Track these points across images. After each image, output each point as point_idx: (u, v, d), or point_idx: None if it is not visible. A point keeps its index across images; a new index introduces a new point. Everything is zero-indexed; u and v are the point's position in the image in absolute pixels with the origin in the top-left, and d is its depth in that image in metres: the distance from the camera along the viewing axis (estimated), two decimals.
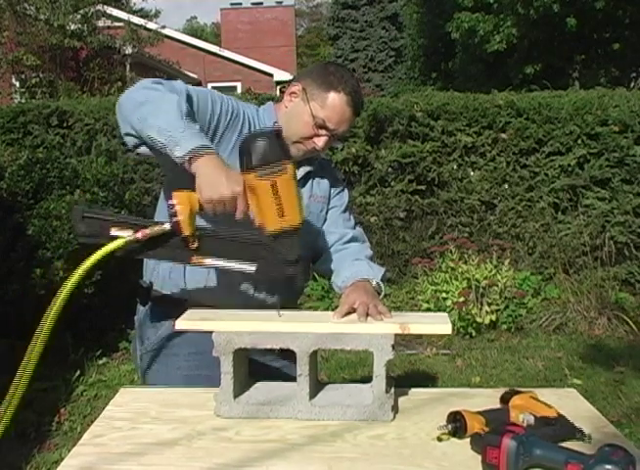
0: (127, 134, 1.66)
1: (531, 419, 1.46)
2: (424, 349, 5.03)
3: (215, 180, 1.51)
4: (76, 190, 4.98)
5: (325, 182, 2.07)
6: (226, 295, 1.86)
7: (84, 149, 6.22)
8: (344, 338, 1.57)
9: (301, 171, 1.95)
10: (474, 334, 5.31)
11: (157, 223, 1.58)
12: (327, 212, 2.08)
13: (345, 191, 2.15)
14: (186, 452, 1.43)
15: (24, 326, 4.63)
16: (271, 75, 21.40)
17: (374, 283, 1.89)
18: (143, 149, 1.66)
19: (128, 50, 13.52)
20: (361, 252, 2.06)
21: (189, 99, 1.70)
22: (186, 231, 1.54)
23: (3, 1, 11.51)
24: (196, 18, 53.78)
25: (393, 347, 1.56)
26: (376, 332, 1.57)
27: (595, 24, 14.22)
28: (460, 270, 5.53)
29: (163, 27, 14.83)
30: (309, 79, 1.90)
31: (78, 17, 12.58)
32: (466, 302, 5.32)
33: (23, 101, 10.72)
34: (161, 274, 1.92)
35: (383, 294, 1.90)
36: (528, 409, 1.50)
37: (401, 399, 1.70)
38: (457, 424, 1.47)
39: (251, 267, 1.62)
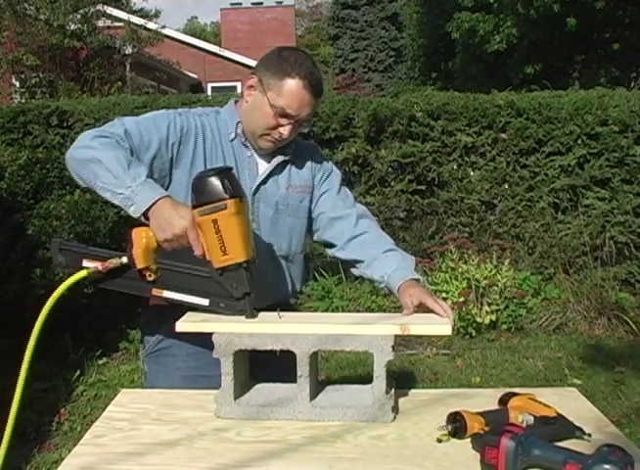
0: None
1: (531, 419, 1.46)
2: (424, 349, 5.03)
3: (164, 221, 1.61)
4: (76, 190, 4.99)
5: (305, 170, 2.04)
6: None
7: None
8: (345, 339, 1.57)
9: (275, 161, 1.96)
10: (474, 334, 5.31)
11: (118, 257, 1.67)
12: (318, 200, 2.06)
13: (335, 172, 2.11)
14: (186, 453, 1.43)
15: (25, 326, 4.64)
16: None
17: (421, 282, 1.89)
18: None
19: (128, 50, 13.53)
20: (379, 235, 2.04)
21: (129, 137, 1.76)
22: (140, 264, 1.64)
23: (3, 1, 11.51)
24: (197, 18, 53.74)
25: (394, 347, 1.56)
26: (376, 333, 1.57)
27: (595, 24, 14.20)
28: (460, 270, 5.53)
29: (163, 27, 14.84)
30: (263, 69, 1.89)
31: (78, 17, 12.58)
32: (466, 302, 5.32)
33: (23, 101, 10.74)
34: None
35: (424, 284, 1.92)
36: (527, 410, 1.50)
37: (401, 400, 1.70)
38: (457, 425, 1.47)
39: (203, 302, 1.67)
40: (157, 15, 16.00)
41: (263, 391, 1.68)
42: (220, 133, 1.93)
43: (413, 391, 1.79)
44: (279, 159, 1.97)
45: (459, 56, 16.92)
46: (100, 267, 1.65)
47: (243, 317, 1.66)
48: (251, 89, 1.91)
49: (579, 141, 6.10)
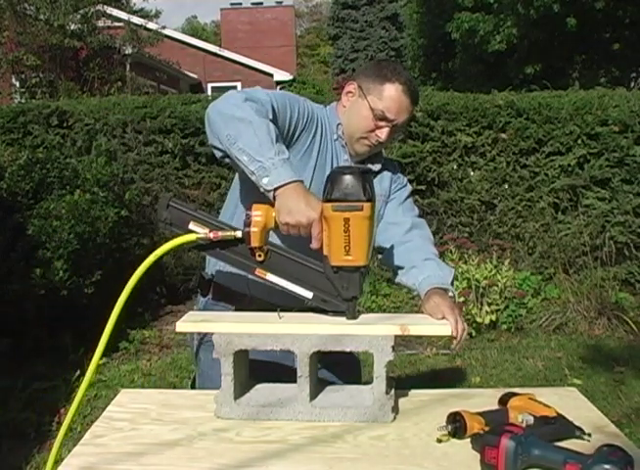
0: (215, 147, 1.72)
1: (531, 419, 1.46)
2: (424, 349, 5.03)
3: (294, 206, 1.57)
4: (76, 190, 4.99)
5: (386, 181, 2.09)
6: (285, 295, 1.88)
7: (84, 149, 6.22)
8: (345, 339, 1.57)
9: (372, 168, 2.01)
10: (474, 334, 5.31)
11: (232, 229, 1.63)
12: (385, 208, 2.09)
13: (407, 187, 2.16)
14: (187, 453, 1.43)
15: (25, 326, 4.64)
16: (271, 75, 21.41)
17: (450, 293, 1.88)
18: (228, 160, 1.73)
19: (128, 50, 13.53)
20: (425, 245, 2.05)
21: (272, 109, 1.75)
22: (255, 243, 1.60)
23: (3, 1, 11.51)
24: (196, 17, 53.72)
25: (394, 348, 1.56)
26: (376, 333, 1.57)
27: (595, 25, 14.21)
28: (460, 270, 5.52)
29: (164, 28, 14.83)
30: (363, 76, 1.96)
31: (78, 17, 12.58)
32: (466, 302, 5.32)
33: (23, 101, 10.74)
34: (225, 268, 1.94)
35: (455, 298, 1.91)
36: (527, 410, 1.50)
37: (401, 400, 1.70)
38: (457, 425, 1.47)
39: (307, 294, 1.65)
40: (157, 15, 15.97)
41: (263, 391, 1.68)
42: (329, 131, 1.98)
43: (413, 391, 1.79)
44: (374, 167, 2.03)
45: (459, 56, 16.93)
46: (211, 236, 1.61)
47: (242, 319, 1.66)
48: (349, 95, 1.98)
49: (579, 141, 6.11)
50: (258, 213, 1.60)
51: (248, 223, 1.60)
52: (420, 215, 2.18)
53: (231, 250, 1.65)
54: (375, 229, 1.67)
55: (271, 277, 1.65)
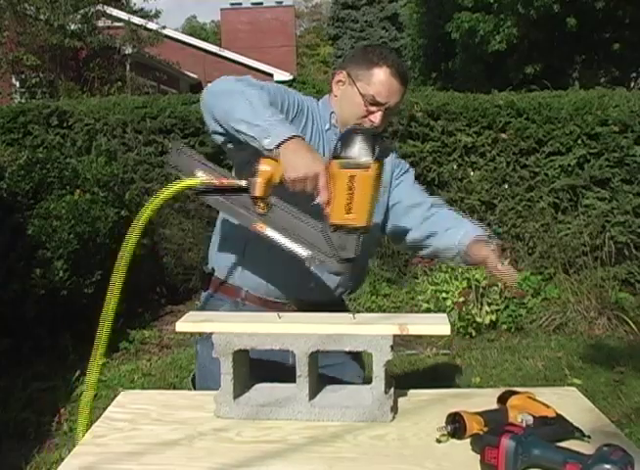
0: (215, 132, 1.74)
1: (530, 419, 1.46)
2: (424, 349, 5.03)
3: (299, 159, 1.57)
4: (76, 190, 4.99)
5: (387, 167, 2.02)
6: (284, 289, 1.92)
7: (84, 149, 6.22)
8: (343, 339, 1.57)
9: None
10: (474, 334, 5.31)
11: (237, 178, 1.64)
12: (393, 191, 2.09)
13: (411, 170, 2.17)
14: (187, 453, 1.43)
15: (25, 326, 4.63)
16: (271, 75, 21.38)
17: (493, 245, 1.88)
18: (231, 145, 1.76)
19: (128, 50, 13.54)
20: (451, 213, 2.07)
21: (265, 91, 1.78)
22: (258, 192, 1.59)
23: (3, 1, 11.52)
24: (196, 17, 53.72)
25: (392, 347, 1.56)
26: (375, 333, 1.57)
27: (595, 25, 14.21)
28: (460, 270, 5.53)
29: (164, 28, 14.84)
30: (351, 63, 1.97)
31: (78, 17, 12.59)
32: (466, 302, 5.32)
33: (24, 101, 10.75)
34: (224, 262, 1.98)
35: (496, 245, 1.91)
36: (527, 409, 1.50)
37: (401, 400, 1.70)
38: (456, 425, 1.47)
39: (304, 252, 1.62)
40: (156, 15, 15.97)
41: (263, 391, 1.68)
42: (320, 121, 1.99)
43: (413, 391, 1.79)
44: (380, 131, 2.01)
45: (459, 56, 16.93)
46: (216, 182, 1.62)
47: (242, 318, 1.66)
48: (339, 84, 1.99)
49: (579, 141, 6.10)
50: (265, 165, 1.60)
51: (253, 173, 1.60)
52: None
53: (234, 200, 1.65)
54: (379, 193, 1.63)
55: (270, 232, 1.64)
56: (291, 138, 1.58)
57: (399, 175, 2.12)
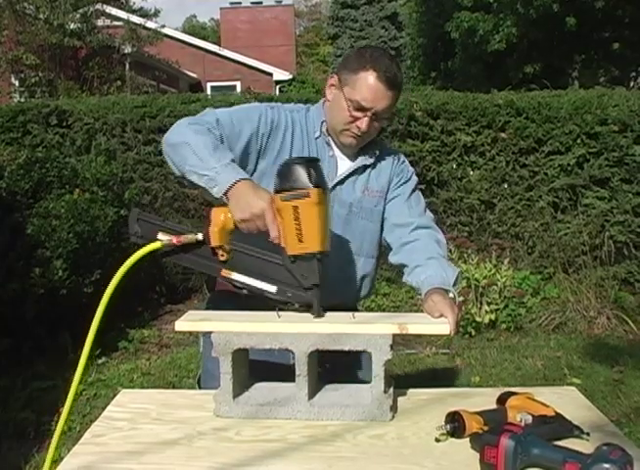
0: (178, 178, 1.80)
1: (529, 419, 1.46)
2: (423, 348, 5.03)
3: (243, 200, 1.62)
4: (76, 189, 4.99)
5: (384, 176, 2.07)
6: None
7: (83, 148, 6.22)
8: (343, 338, 1.57)
9: (357, 163, 2.01)
10: (473, 333, 5.31)
11: (194, 233, 1.67)
12: (387, 203, 2.07)
13: (412, 180, 2.13)
14: (186, 452, 1.43)
15: (24, 325, 4.63)
16: (270, 75, 21.40)
17: (450, 294, 1.84)
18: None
19: (128, 49, 13.53)
20: (430, 243, 2.01)
21: (221, 125, 1.82)
22: (214, 242, 1.64)
23: (3, 0, 11.51)
24: (195, 16, 53.70)
25: (392, 347, 1.56)
26: (374, 332, 1.57)
27: (595, 24, 14.21)
28: (459, 270, 5.52)
29: (163, 27, 14.83)
30: (342, 67, 1.95)
31: (78, 16, 12.59)
32: (465, 301, 5.32)
33: (23, 100, 10.73)
34: None
35: (456, 299, 1.89)
36: (526, 409, 1.50)
37: (401, 399, 1.70)
38: (455, 424, 1.47)
39: (271, 288, 1.66)
40: (156, 14, 15.95)
41: (262, 390, 1.68)
42: (308, 131, 1.99)
43: (412, 390, 1.79)
44: (360, 161, 2.01)
45: (458, 55, 16.94)
46: (174, 241, 1.66)
47: (241, 318, 1.66)
48: (331, 88, 1.98)
49: (579, 140, 6.10)
50: (216, 214, 1.65)
51: (207, 224, 1.65)
52: (427, 208, 2.15)
53: (196, 254, 1.69)
54: (329, 216, 1.66)
55: (236, 276, 1.67)
56: (236, 183, 1.63)
57: (398, 185, 2.09)
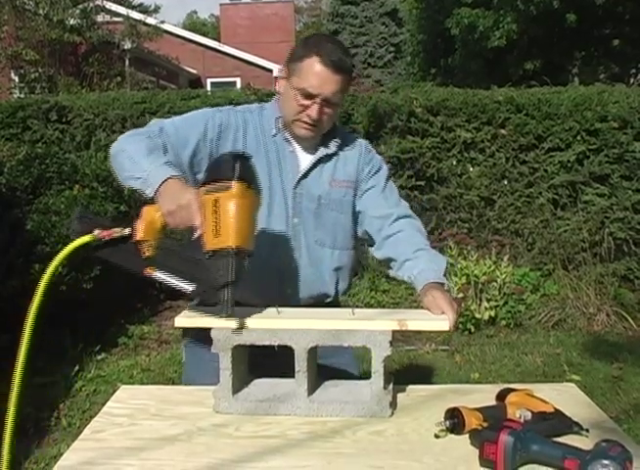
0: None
1: (528, 415, 1.46)
2: (422, 344, 5.03)
3: (171, 193, 1.61)
4: (75, 185, 4.99)
5: (351, 165, 2.04)
6: (260, 293, 1.86)
7: (83, 144, 6.22)
8: (342, 334, 1.57)
9: (318, 155, 1.98)
10: (472, 330, 5.31)
11: (123, 227, 1.65)
12: (363, 195, 2.05)
13: (383, 170, 2.11)
14: (186, 448, 1.43)
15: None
16: (270, 71, 21.35)
17: (445, 287, 1.86)
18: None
19: (127, 45, 13.51)
20: (414, 235, 2.00)
21: (164, 133, 1.83)
22: (140, 235, 1.60)
23: None
24: (196, 12, 53.66)
25: (391, 343, 1.56)
26: (374, 328, 1.57)
27: (595, 21, 14.20)
28: (459, 266, 5.53)
29: (162, 22, 14.82)
30: (289, 58, 1.93)
31: (77, 12, 12.57)
32: (465, 297, 5.32)
33: (23, 96, 10.74)
34: None
35: (450, 290, 1.89)
36: (525, 405, 1.50)
37: (400, 396, 1.70)
38: (455, 420, 1.47)
39: (188, 287, 1.62)
40: (156, 10, 15.96)
41: (262, 386, 1.68)
42: (263, 130, 1.96)
43: (411, 386, 1.79)
44: (321, 152, 1.99)
45: (459, 52, 16.92)
46: (105, 234, 1.63)
47: (241, 313, 1.66)
48: (282, 80, 1.96)
49: (579, 137, 6.10)
50: (146, 210, 1.63)
51: (136, 220, 1.63)
52: (400, 197, 2.13)
53: (124, 250, 1.65)
54: (253, 213, 1.60)
55: (158, 274, 1.63)
56: (166, 180, 1.63)
57: (370, 176, 2.07)
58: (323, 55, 1.84)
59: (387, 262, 2.04)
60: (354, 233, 2.07)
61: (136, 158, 1.71)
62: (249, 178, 1.57)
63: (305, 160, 1.98)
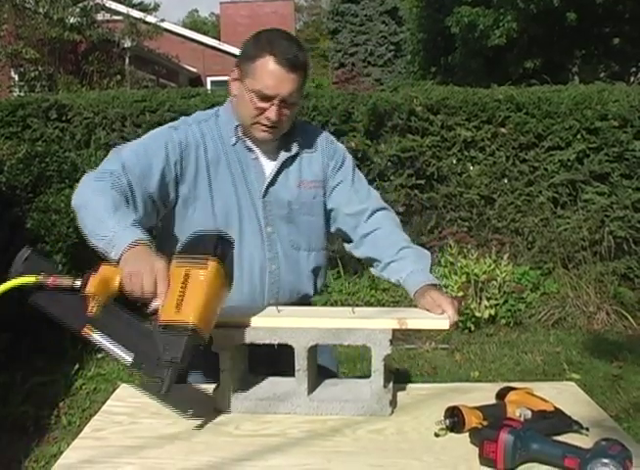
0: None
1: (528, 414, 1.46)
2: (422, 343, 5.03)
3: (136, 258, 1.50)
4: (75, 184, 4.96)
5: (316, 163, 1.97)
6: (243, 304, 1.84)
7: (83, 142, 6.21)
8: (343, 333, 1.57)
9: (280, 159, 1.90)
10: (472, 328, 5.31)
11: (73, 278, 1.50)
12: (332, 192, 1.98)
13: (347, 161, 2.03)
14: (186, 446, 1.43)
15: (24, 320, 4.63)
16: None
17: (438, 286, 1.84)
18: None
19: (127, 43, 13.51)
20: (392, 232, 1.96)
21: (127, 170, 1.72)
22: (89, 288, 1.45)
23: None
24: (197, 11, 53.69)
25: (391, 342, 1.56)
26: (374, 327, 1.57)
27: (595, 19, 14.20)
28: (459, 265, 5.53)
29: (162, 21, 14.81)
30: (241, 58, 1.84)
31: (77, 10, 12.57)
32: (465, 296, 5.32)
33: (22, 94, 10.72)
34: None
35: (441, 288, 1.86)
36: (525, 404, 1.51)
37: (400, 394, 1.70)
38: (455, 419, 1.47)
39: (127, 357, 1.45)
40: (155, 8, 15.94)
41: (262, 385, 1.68)
42: (222, 139, 1.89)
43: (412, 385, 1.79)
44: (284, 156, 1.91)
45: (459, 50, 16.91)
46: (50, 280, 1.49)
47: (241, 312, 1.66)
48: (235, 82, 1.86)
49: (579, 136, 6.09)
50: (105, 267, 1.50)
51: (89, 273, 1.49)
52: (369, 187, 2.06)
53: (65, 302, 1.49)
54: (221, 297, 1.49)
55: (96, 336, 1.46)
56: (134, 243, 1.53)
57: (336, 170, 1.99)
58: (277, 53, 1.75)
59: (367, 261, 2.01)
60: (327, 231, 2.03)
61: (101, 215, 1.61)
62: (227, 262, 1.49)
63: (269, 166, 1.91)
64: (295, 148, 1.93)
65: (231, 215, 1.85)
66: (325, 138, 2.02)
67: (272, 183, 1.90)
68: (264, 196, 1.89)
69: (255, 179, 1.89)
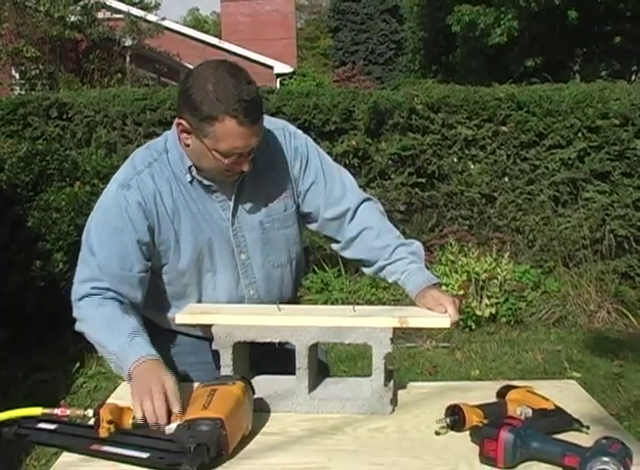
0: None
1: (529, 412, 1.46)
2: (423, 341, 5.03)
3: (142, 380, 1.52)
4: (76, 182, 4.99)
5: (282, 171, 1.85)
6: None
7: (84, 141, 6.21)
8: (343, 332, 1.57)
9: (239, 180, 1.78)
10: (473, 327, 5.31)
11: (83, 409, 1.47)
12: (306, 195, 1.88)
13: (312, 154, 1.89)
14: None
15: (25, 317, 4.63)
16: (271, 68, 21.36)
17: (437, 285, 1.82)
18: None
19: (128, 42, 13.49)
20: (381, 232, 1.88)
21: (105, 270, 1.71)
22: (104, 415, 1.41)
23: None
24: (198, 9, 53.63)
25: (392, 340, 1.56)
26: (375, 326, 1.57)
27: (596, 18, 14.19)
28: (460, 263, 5.53)
29: (163, 19, 14.79)
30: (189, 113, 1.64)
31: (78, 8, 12.55)
32: (466, 294, 5.32)
33: (23, 93, 10.72)
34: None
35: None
36: (525, 402, 1.51)
37: (401, 393, 1.70)
38: (455, 417, 1.47)
39: (143, 455, 1.35)
40: (156, 6, 15.91)
41: (263, 383, 1.68)
42: (176, 178, 1.76)
43: (412, 383, 1.79)
44: (241, 176, 1.77)
45: (459, 49, 16.92)
46: (58, 411, 1.46)
47: (242, 310, 1.66)
48: (185, 133, 1.69)
49: (580, 134, 6.09)
50: (113, 407, 1.44)
51: (96, 421, 1.41)
52: (342, 176, 1.93)
53: (68, 432, 1.46)
54: (247, 412, 1.46)
55: (107, 448, 1.39)
56: (136, 363, 1.58)
57: (303, 170, 1.87)
58: (236, 113, 1.58)
59: (358, 262, 1.96)
60: (302, 231, 1.96)
61: (98, 340, 1.69)
62: (251, 386, 1.50)
63: (230, 192, 1.78)
64: (256, 165, 1.76)
65: (202, 255, 1.77)
66: (283, 135, 1.87)
67: (236, 209, 1.79)
68: (233, 224, 1.79)
69: (220, 209, 1.78)
